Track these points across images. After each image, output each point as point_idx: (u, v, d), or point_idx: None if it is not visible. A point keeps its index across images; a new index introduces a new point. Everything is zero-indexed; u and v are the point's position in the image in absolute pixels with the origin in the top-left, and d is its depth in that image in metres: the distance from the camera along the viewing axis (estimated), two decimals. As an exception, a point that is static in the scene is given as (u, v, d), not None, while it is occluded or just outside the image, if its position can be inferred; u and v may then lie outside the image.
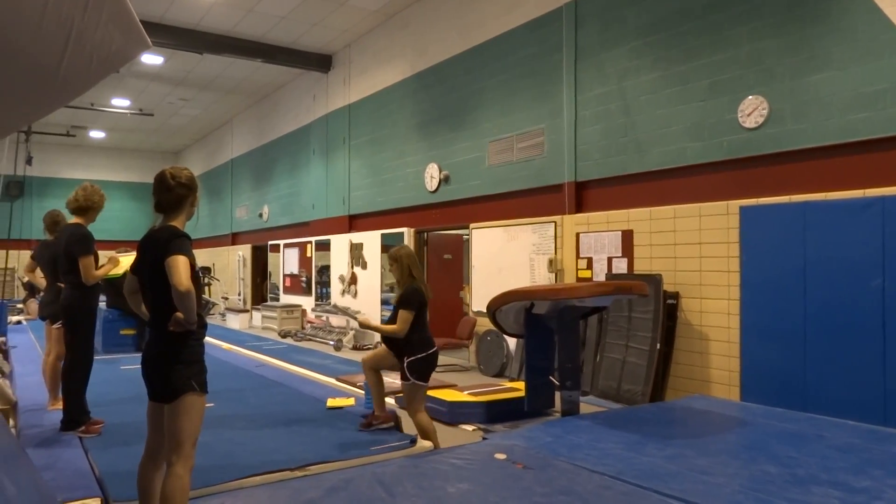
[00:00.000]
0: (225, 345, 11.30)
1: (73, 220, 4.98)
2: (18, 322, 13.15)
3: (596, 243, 7.46)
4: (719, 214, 6.25)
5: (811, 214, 5.53)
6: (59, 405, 5.05)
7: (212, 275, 19.55)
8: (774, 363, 5.72)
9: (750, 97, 6.01)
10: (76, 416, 4.73)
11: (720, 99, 6.26)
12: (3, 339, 8.75)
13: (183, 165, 3.13)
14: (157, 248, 2.81)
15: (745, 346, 5.97)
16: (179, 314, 2.74)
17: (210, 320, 17.06)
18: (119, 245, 12.50)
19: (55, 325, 5.35)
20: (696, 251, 6.45)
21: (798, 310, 5.57)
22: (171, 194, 2.93)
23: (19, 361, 7.93)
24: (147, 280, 2.90)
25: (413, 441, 4.55)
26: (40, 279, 6.00)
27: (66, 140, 20.79)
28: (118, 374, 7.36)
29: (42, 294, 6.11)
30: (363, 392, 5.75)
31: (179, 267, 2.70)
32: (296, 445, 4.44)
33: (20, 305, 15.42)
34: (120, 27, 2.44)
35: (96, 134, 20.63)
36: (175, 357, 2.80)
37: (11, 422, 5.34)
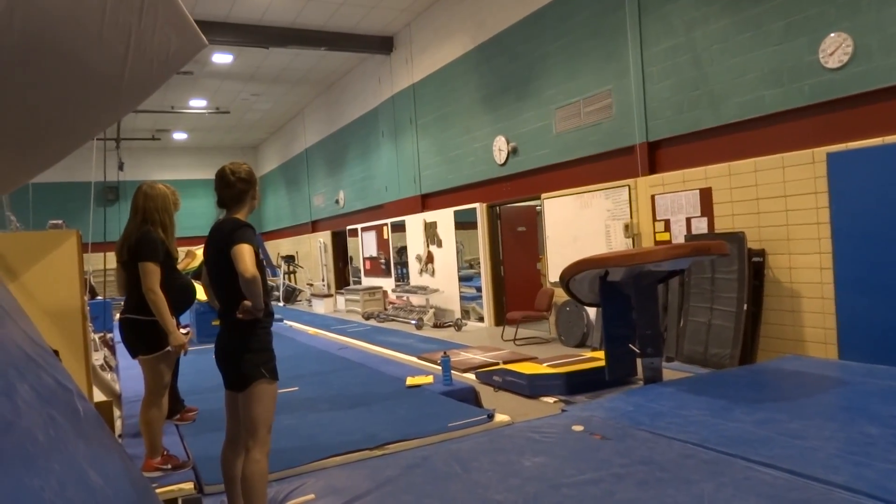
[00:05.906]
0: (311, 329, 11.65)
1: None
2: (123, 319, 13.96)
3: (673, 204, 7.17)
4: (804, 164, 5.86)
5: (908, 155, 5.10)
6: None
7: (296, 262, 20.18)
8: (875, 317, 5.34)
9: (832, 35, 5.57)
10: (171, 404, 4.98)
11: (798, 40, 5.84)
12: (109, 334, 9.32)
13: (243, 160, 3.19)
14: (221, 239, 2.87)
15: (841, 301, 5.60)
16: (247, 302, 2.80)
17: (297, 306, 17.67)
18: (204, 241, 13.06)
19: None
20: (782, 205, 6.08)
21: (898, 259, 5.17)
22: (232, 189, 2.99)
23: (123, 356, 8.43)
24: (214, 271, 2.98)
25: (490, 416, 4.54)
26: None
27: (152, 144, 21.87)
28: (211, 363, 7.68)
29: None
30: (440, 369, 5.79)
31: (245, 255, 2.74)
32: (375, 425, 4.51)
33: (123, 303, 16.34)
34: (175, 28, 2.49)
35: (179, 135, 21.58)
36: (244, 346, 2.86)
37: (117, 412, 5.69)
